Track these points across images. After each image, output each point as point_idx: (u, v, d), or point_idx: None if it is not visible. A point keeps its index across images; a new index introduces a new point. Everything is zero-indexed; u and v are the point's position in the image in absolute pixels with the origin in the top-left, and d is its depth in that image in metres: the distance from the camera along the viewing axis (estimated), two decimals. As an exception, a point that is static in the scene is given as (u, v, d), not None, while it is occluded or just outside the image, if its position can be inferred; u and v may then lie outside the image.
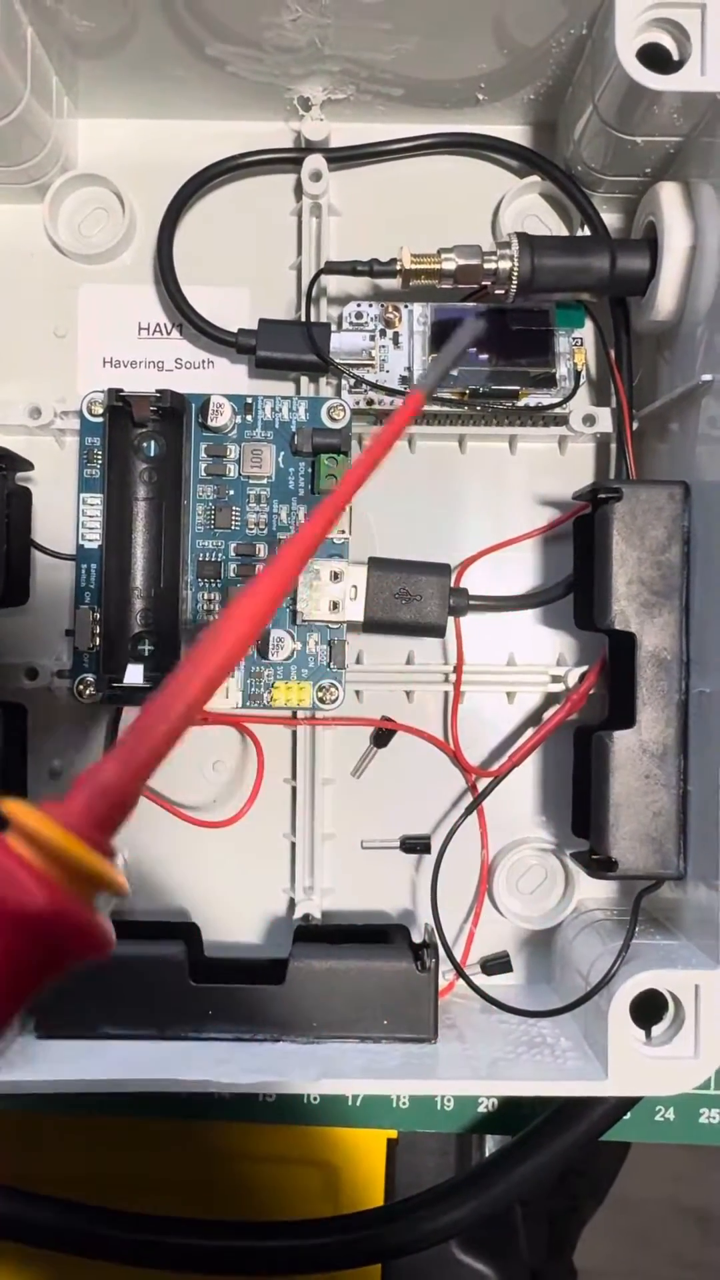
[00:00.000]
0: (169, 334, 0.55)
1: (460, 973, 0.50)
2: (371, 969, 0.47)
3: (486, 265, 0.48)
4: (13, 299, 0.55)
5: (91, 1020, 0.47)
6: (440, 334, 0.52)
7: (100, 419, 0.51)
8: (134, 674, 0.49)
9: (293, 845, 0.54)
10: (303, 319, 0.53)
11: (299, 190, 0.55)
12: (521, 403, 0.52)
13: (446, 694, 0.55)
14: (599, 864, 0.47)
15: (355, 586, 0.50)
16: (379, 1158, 0.60)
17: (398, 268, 0.49)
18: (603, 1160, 0.74)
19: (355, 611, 0.50)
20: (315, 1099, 0.56)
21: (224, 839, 0.54)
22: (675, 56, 0.44)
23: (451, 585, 0.51)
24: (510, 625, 0.55)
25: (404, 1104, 0.56)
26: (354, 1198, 0.60)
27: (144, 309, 0.55)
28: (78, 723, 0.55)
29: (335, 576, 0.50)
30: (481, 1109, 0.56)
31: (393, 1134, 0.58)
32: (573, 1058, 0.46)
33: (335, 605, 0.50)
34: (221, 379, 0.55)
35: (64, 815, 0.28)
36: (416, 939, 0.51)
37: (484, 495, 0.55)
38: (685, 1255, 1.24)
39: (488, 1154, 0.62)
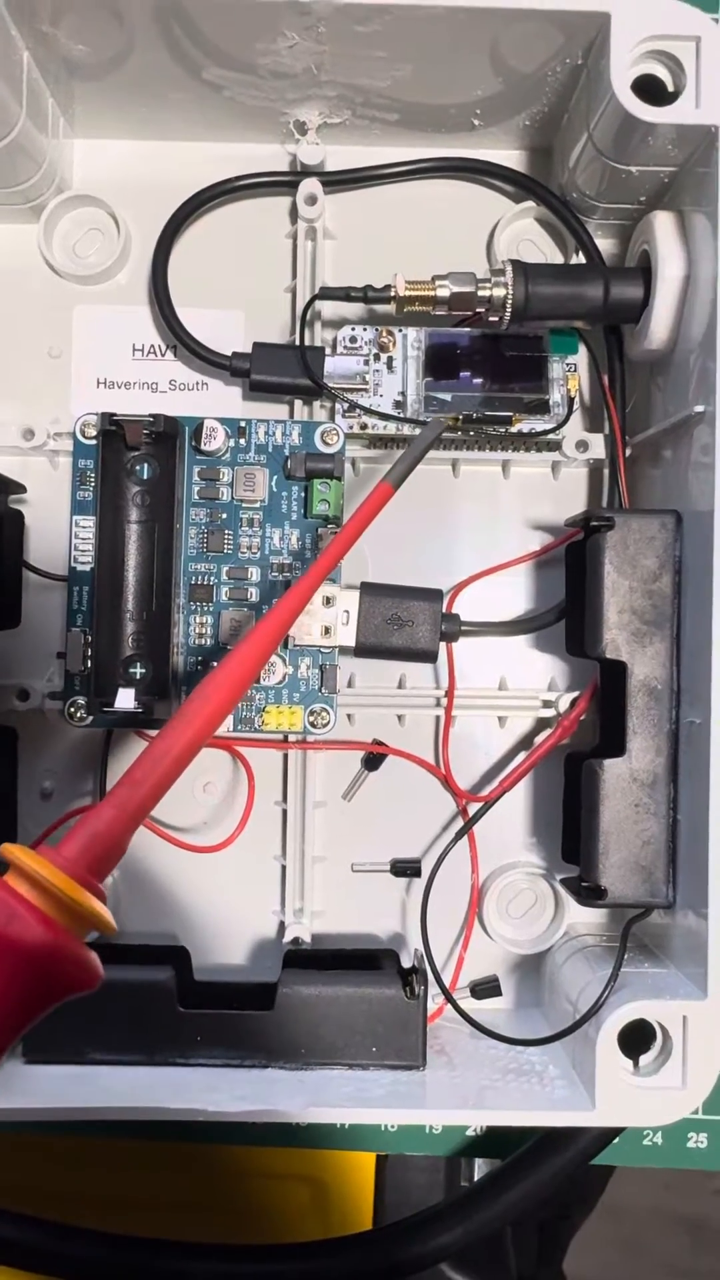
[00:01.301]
0: (163, 355, 0.55)
1: (450, 1000, 0.50)
2: (360, 996, 0.47)
3: (480, 292, 0.49)
4: (7, 319, 0.55)
5: (79, 1045, 0.47)
6: (434, 359, 0.52)
7: (93, 441, 0.50)
8: (125, 698, 0.49)
9: (283, 868, 0.54)
10: (297, 343, 0.53)
11: (294, 213, 0.55)
12: (515, 428, 0.52)
13: (438, 718, 0.55)
14: (588, 891, 0.47)
15: (347, 611, 0.50)
16: (368, 1174, 0.60)
17: (392, 294, 0.49)
18: (592, 1169, 0.74)
19: (347, 637, 0.50)
20: (303, 1122, 0.56)
21: (214, 861, 0.54)
22: (670, 88, 0.45)
23: (444, 610, 0.51)
24: (502, 650, 0.55)
25: (392, 1128, 0.56)
26: (343, 1214, 0.60)
27: (138, 330, 0.55)
28: (69, 745, 0.55)
29: (327, 601, 0.50)
30: (470, 1133, 0.56)
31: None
32: (560, 1086, 0.46)
33: (327, 630, 0.50)
34: (215, 401, 0.55)
35: (60, 859, 0.31)
36: (406, 964, 0.51)
37: (477, 520, 0.56)
38: (676, 1264, 1.24)
39: (476, 1171, 0.62)
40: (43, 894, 0.30)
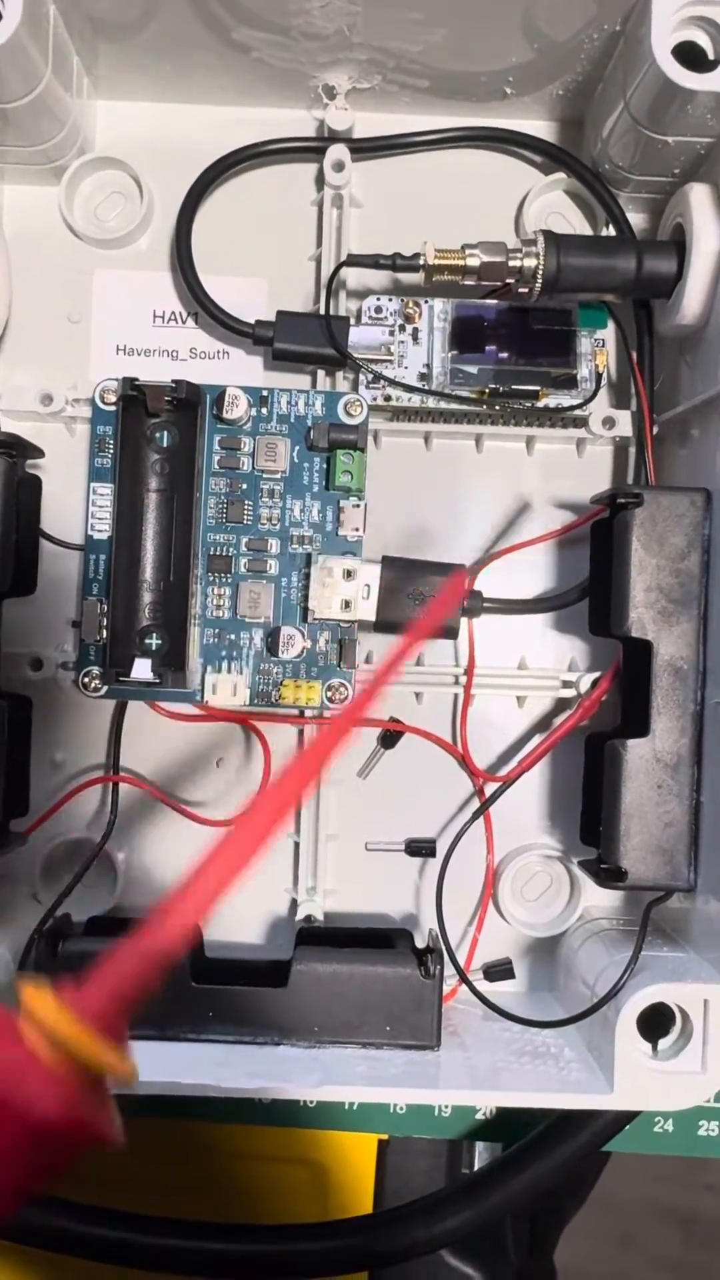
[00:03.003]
0: (184, 323, 0.55)
1: (465, 980, 0.49)
2: (375, 974, 0.47)
3: (511, 263, 0.48)
4: (26, 283, 0.54)
5: (90, 1019, 0.46)
6: (461, 331, 0.51)
7: (113, 408, 0.50)
8: (141, 669, 0.48)
9: (296, 845, 0.54)
10: (321, 311, 0.52)
11: (320, 180, 0.54)
12: (541, 403, 0.51)
13: (456, 696, 0.54)
14: (608, 873, 0.47)
15: (368, 585, 0.49)
16: (369, 1159, 0.59)
17: (421, 263, 0.48)
18: (586, 1161, 0.73)
19: (367, 611, 0.49)
20: (311, 1103, 0.55)
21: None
22: (711, 55, 0.44)
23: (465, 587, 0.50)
24: (522, 628, 0.54)
25: (401, 1110, 0.55)
26: (342, 1199, 0.60)
27: (159, 296, 0.55)
28: (80, 715, 0.54)
29: (348, 574, 0.49)
30: (480, 1116, 0.55)
31: (384, 1135, 0.58)
32: (577, 1069, 0.46)
33: (347, 604, 0.49)
34: (236, 370, 0.54)
35: (80, 1004, 0.29)
36: (419, 944, 0.50)
37: (499, 496, 0.55)
38: (667, 1257, 1.24)
39: (478, 1158, 0.62)
40: (57, 1046, 0.28)
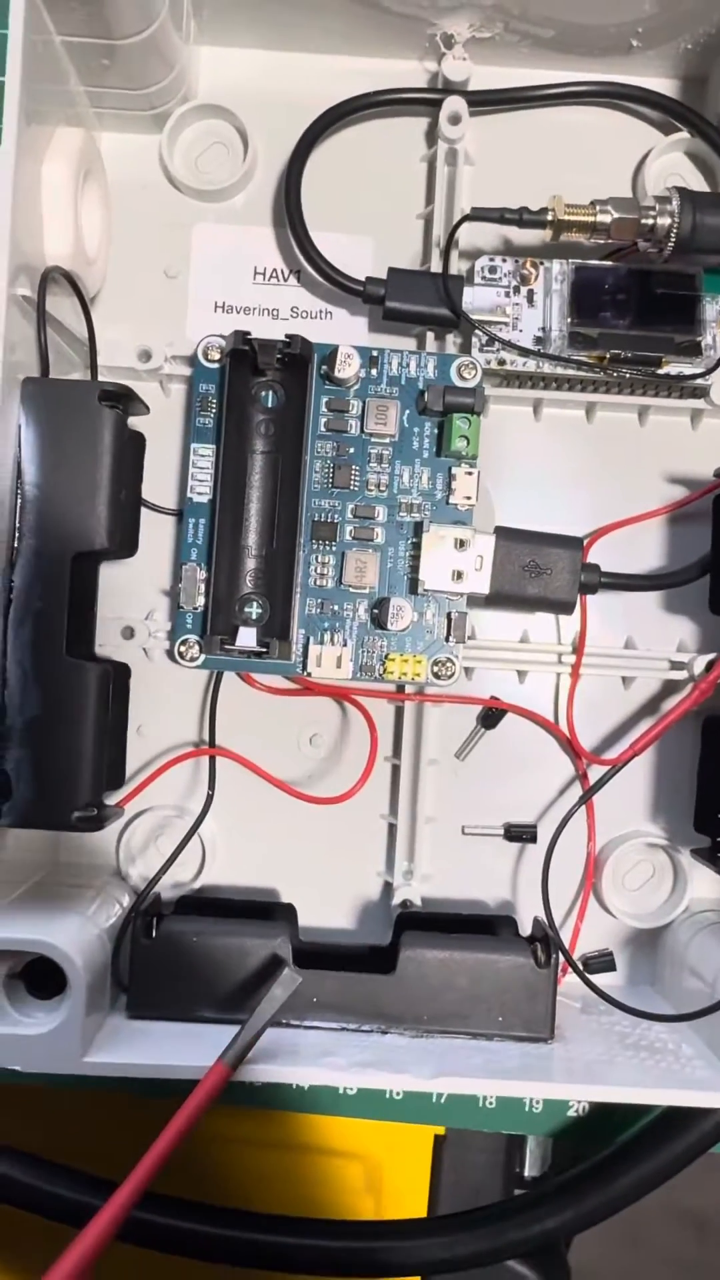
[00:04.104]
0: (285, 280, 0.52)
1: (577, 970, 0.47)
2: (487, 962, 0.45)
3: (644, 220, 0.45)
4: (124, 235, 0.52)
5: (186, 1002, 0.45)
6: (580, 293, 0.48)
7: (216, 364, 0.47)
8: (246, 637, 0.46)
9: (391, 826, 0.52)
10: (430, 270, 0.50)
11: (430, 135, 0.51)
12: (663, 371, 0.49)
13: (559, 675, 0.52)
14: (730, 862, 0.45)
15: (481, 556, 0.47)
16: (424, 1153, 0.58)
17: (549, 218, 0.46)
18: (583, 1158, 0.71)
19: (479, 583, 0.47)
20: (398, 1094, 0.53)
21: (317, 816, 0.51)
22: None
23: (582, 560, 0.48)
24: (630, 606, 0.52)
25: (491, 1103, 0.53)
26: (396, 1194, 0.58)
27: (261, 252, 0.52)
28: (163, 686, 0.52)
29: (460, 544, 0.47)
30: (572, 1113, 0.53)
31: (440, 1129, 0.56)
32: (699, 1066, 0.44)
33: (459, 575, 0.47)
34: (340, 330, 0.52)
35: None
36: (522, 932, 0.48)
37: (611, 468, 0.53)
38: (680, 1257, 1.22)
39: (529, 1153, 0.60)
40: None
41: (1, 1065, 0.41)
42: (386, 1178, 0.58)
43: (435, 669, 0.48)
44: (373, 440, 0.48)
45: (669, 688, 0.52)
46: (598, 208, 0.46)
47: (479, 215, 0.48)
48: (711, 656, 0.50)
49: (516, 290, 0.49)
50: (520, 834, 0.52)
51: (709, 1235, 1.25)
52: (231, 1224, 0.45)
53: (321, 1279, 0.46)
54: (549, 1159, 0.60)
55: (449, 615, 0.48)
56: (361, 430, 0.48)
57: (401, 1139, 0.56)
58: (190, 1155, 0.56)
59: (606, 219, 0.46)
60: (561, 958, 0.46)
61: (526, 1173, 0.60)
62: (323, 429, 0.48)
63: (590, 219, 0.46)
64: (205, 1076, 0.37)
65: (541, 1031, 0.45)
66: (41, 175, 0.45)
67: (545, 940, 0.45)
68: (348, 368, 0.47)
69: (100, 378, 0.49)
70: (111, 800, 0.49)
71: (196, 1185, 0.56)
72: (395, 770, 0.52)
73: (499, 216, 0.47)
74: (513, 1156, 0.58)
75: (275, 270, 0.52)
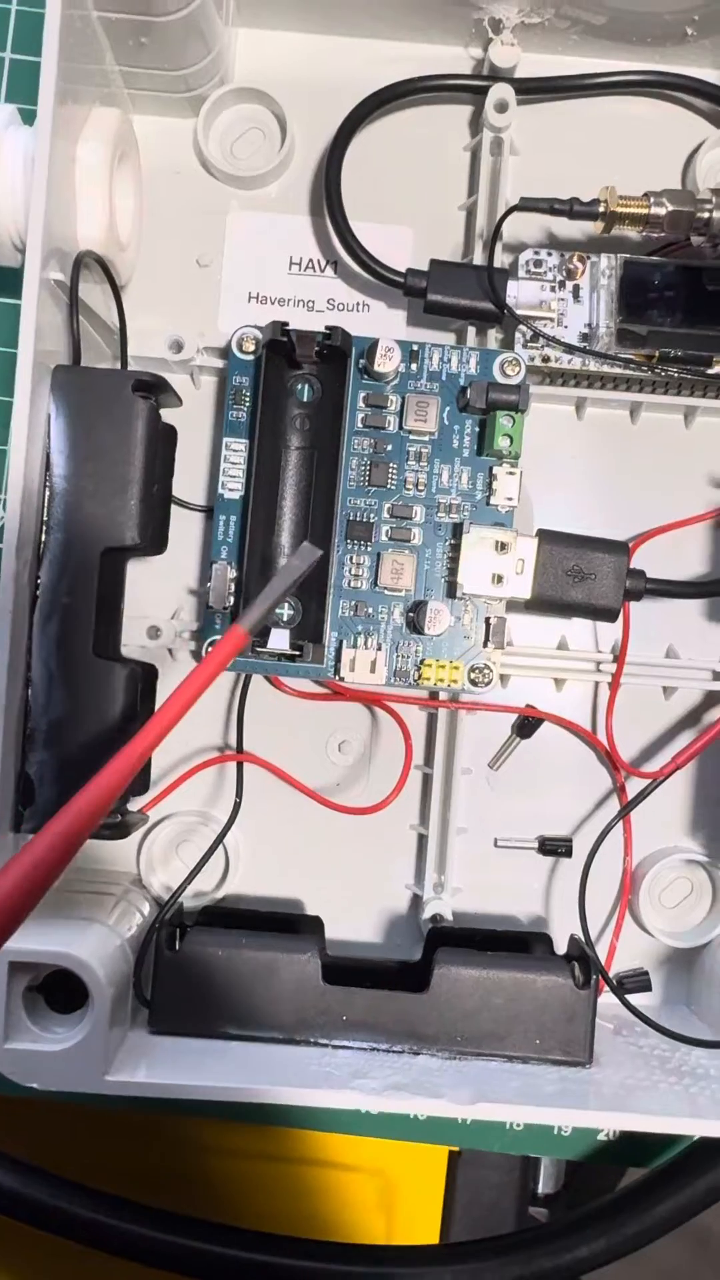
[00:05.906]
0: (322, 271, 0.51)
1: (615, 992, 0.45)
2: (524, 981, 0.43)
3: (700, 214, 0.44)
4: (156, 221, 0.50)
5: (211, 1017, 0.43)
6: (629, 289, 0.47)
7: (251, 356, 0.46)
8: (279, 639, 0.44)
9: (421, 837, 0.50)
10: (473, 263, 0.48)
11: (475, 124, 0.50)
12: (714, 370, 0.47)
13: (597, 685, 0.50)
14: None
15: (522, 560, 0.46)
16: (439, 1171, 0.56)
17: (601, 209, 0.45)
18: (598, 1174, 0.70)
19: (520, 587, 0.46)
20: (422, 1115, 0.51)
21: (345, 825, 0.49)
22: None
23: (628, 566, 0.46)
24: (671, 614, 0.50)
25: (519, 1127, 0.51)
26: (410, 1212, 0.56)
27: (296, 242, 0.51)
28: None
29: (501, 547, 0.45)
30: (602, 1137, 0.51)
31: (454, 1147, 0.54)
32: (745, 1094, 0.42)
33: (499, 579, 0.45)
34: (377, 323, 0.50)
35: None
36: (556, 949, 0.46)
37: (655, 471, 0.51)
38: (677, 1274, 1.20)
39: (543, 1171, 0.58)
40: None
41: (19, 1083, 0.39)
42: (399, 1193, 0.57)
43: (472, 676, 0.46)
44: (411, 437, 0.46)
45: (711, 699, 0.50)
46: (652, 200, 0.44)
47: (528, 205, 0.46)
48: (757, 668, 0.48)
49: (562, 285, 0.48)
50: (555, 848, 0.50)
51: (709, 1254, 1.23)
52: (255, 1247, 0.43)
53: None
54: (563, 1177, 0.58)
55: (488, 620, 0.46)
56: (400, 427, 0.46)
57: (415, 1154, 0.55)
58: (199, 1167, 0.55)
59: (661, 211, 0.44)
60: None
61: (540, 1189, 0.59)
62: (360, 425, 0.46)
63: (644, 211, 0.44)
64: (222, 640, 0.35)
65: (579, 1055, 0.43)
66: (76, 156, 0.43)
67: (584, 959, 0.44)
68: (388, 362, 0.45)
69: (130, 368, 0.48)
70: (134, 806, 0.47)
71: (205, 1198, 0.55)
72: (427, 779, 0.50)
73: (549, 207, 0.45)
74: (527, 1173, 0.57)
75: (312, 260, 0.51)
